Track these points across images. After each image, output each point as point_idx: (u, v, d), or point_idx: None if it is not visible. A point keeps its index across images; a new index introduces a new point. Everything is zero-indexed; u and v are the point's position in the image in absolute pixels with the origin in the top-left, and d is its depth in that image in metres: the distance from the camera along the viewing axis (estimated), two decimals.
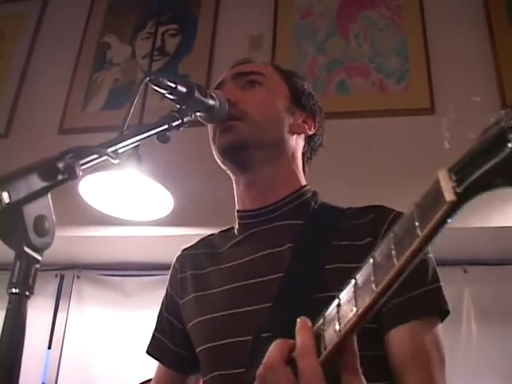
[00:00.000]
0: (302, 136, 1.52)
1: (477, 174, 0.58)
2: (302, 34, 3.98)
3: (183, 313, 1.47)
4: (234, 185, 1.50)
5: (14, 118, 4.16)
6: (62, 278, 4.03)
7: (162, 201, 2.91)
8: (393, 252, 0.68)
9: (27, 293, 0.76)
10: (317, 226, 1.36)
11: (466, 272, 3.46)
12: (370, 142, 3.41)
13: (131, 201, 2.96)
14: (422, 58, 3.64)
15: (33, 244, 0.77)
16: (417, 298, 1.18)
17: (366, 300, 0.72)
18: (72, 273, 4.03)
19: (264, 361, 0.85)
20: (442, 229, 0.62)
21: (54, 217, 0.81)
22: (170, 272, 1.58)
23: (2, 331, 0.74)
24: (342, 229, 1.32)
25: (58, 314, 3.91)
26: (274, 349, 0.86)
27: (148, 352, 1.57)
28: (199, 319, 1.38)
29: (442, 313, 1.23)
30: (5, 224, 0.77)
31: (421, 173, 3.19)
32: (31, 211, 0.77)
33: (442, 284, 1.23)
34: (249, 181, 1.44)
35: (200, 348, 1.37)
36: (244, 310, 1.28)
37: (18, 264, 0.76)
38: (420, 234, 0.63)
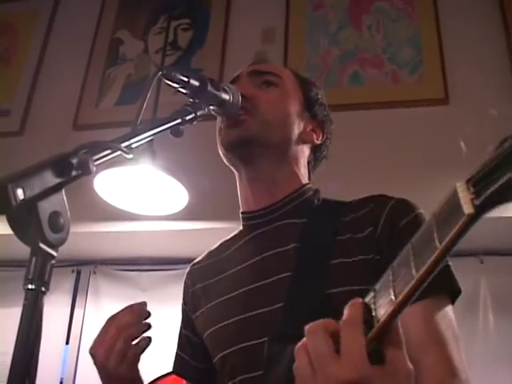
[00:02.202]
0: (309, 145, 1.52)
1: (494, 186, 0.57)
2: (315, 26, 3.97)
3: (197, 326, 1.48)
4: (238, 183, 1.50)
5: (28, 115, 4.18)
6: (78, 273, 4.04)
7: (177, 195, 2.92)
8: (412, 263, 0.69)
9: (43, 288, 0.76)
10: (319, 223, 1.36)
11: (482, 262, 3.43)
12: (383, 133, 3.40)
13: (146, 196, 2.96)
14: (435, 48, 3.62)
15: (48, 240, 0.77)
16: None
17: (386, 312, 0.73)
18: (88, 268, 4.04)
19: (306, 327, 0.82)
20: (460, 240, 0.62)
21: (68, 213, 0.81)
22: (182, 289, 1.59)
23: (19, 327, 0.74)
24: (344, 223, 1.31)
25: (75, 310, 3.92)
26: (319, 321, 0.82)
27: (173, 371, 1.60)
28: (212, 329, 1.38)
29: (453, 292, 1.21)
30: (20, 221, 0.76)
31: (436, 163, 3.19)
32: (46, 207, 0.77)
33: (450, 264, 1.22)
34: (251, 177, 1.44)
35: (216, 358, 1.37)
36: (255, 313, 1.28)
37: (33, 260, 0.77)
38: (439, 245, 0.64)
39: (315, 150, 1.54)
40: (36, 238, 0.76)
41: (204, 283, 1.49)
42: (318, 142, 1.52)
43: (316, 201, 1.45)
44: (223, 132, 1.41)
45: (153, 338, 1.60)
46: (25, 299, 0.76)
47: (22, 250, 0.78)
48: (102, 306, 3.91)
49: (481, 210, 0.59)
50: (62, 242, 0.79)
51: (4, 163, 2.78)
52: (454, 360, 1.11)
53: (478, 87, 3.43)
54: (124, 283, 3.95)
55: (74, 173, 0.83)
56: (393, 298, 0.72)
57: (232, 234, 1.53)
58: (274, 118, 1.41)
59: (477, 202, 0.59)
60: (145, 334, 1.49)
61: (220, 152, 1.46)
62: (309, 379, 0.78)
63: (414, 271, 0.68)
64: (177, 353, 1.59)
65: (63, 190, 0.81)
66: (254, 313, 1.28)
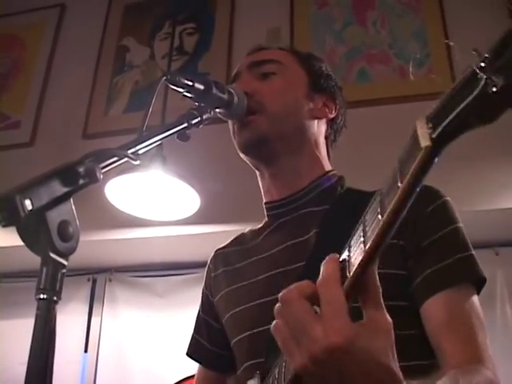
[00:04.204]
0: (324, 120, 1.50)
1: (451, 116, 0.57)
2: (320, 24, 3.96)
3: (218, 310, 1.49)
4: (259, 177, 1.50)
5: (38, 126, 4.20)
6: (94, 281, 4.05)
7: (189, 199, 2.92)
8: (378, 209, 0.69)
9: (55, 298, 0.77)
10: (342, 210, 1.34)
11: (497, 254, 3.40)
12: (393, 129, 3.38)
13: (158, 201, 2.96)
14: (441, 41, 3.60)
15: (58, 249, 0.77)
16: (449, 266, 1.17)
17: (357, 261, 0.73)
18: (104, 276, 4.05)
19: (279, 295, 0.81)
20: (424, 177, 0.63)
21: (77, 221, 0.81)
22: (205, 273, 1.59)
23: (33, 337, 0.75)
24: None
25: (93, 318, 3.93)
26: (291, 286, 0.81)
27: (187, 354, 1.59)
28: (231, 312, 1.39)
29: (477, 281, 1.20)
30: (29, 231, 0.77)
31: (448, 156, 3.17)
32: (54, 217, 0.78)
33: (473, 253, 1.21)
34: (273, 172, 1.44)
35: (233, 341, 1.39)
36: (269, 299, 1.28)
37: (44, 270, 0.77)
38: (400, 185, 0.64)
39: (331, 123, 1.53)
40: (46, 248, 0.77)
41: (227, 268, 1.50)
42: (333, 115, 1.51)
43: (339, 188, 1.44)
44: (236, 135, 1.42)
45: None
46: (37, 309, 0.76)
47: (33, 260, 0.79)
48: (119, 313, 3.92)
49: (438, 142, 0.59)
50: (72, 250, 0.80)
51: (16, 174, 2.80)
52: (479, 346, 1.09)
53: None
54: (140, 290, 3.96)
55: (81, 181, 0.83)
56: (362, 246, 0.72)
57: (259, 224, 1.53)
58: (281, 108, 1.40)
59: (433, 135, 0.59)
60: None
61: (240, 155, 1.46)
62: (294, 351, 0.77)
63: (379, 216, 0.68)
64: (193, 336, 1.60)
65: (71, 199, 0.82)
66: (268, 299, 1.29)
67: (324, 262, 0.79)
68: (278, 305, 0.81)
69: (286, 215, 1.42)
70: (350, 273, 0.75)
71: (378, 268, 1.17)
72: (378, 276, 0.78)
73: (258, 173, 1.50)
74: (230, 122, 1.46)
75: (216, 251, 1.59)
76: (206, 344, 1.55)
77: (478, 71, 0.54)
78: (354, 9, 3.96)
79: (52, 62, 4.46)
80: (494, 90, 0.53)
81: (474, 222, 2.92)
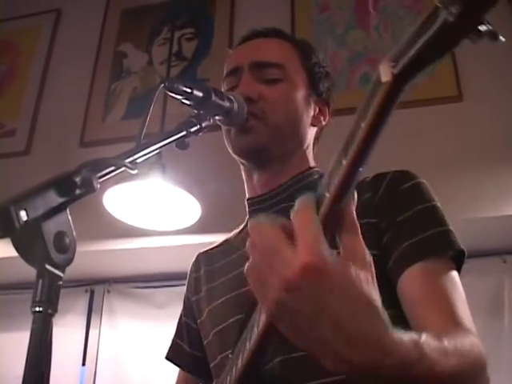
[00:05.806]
0: (316, 128, 1.51)
1: (412, 52, 0.58)
2: (321, 28, 3.93)
3: (196, 309, 1.50)
4: (244, 174, 1.49)
5: (34, 134, 4.17)
6: (92, 293, 4.00)
7: (189, 208, 2.89)
8: (342, 153, 0.70)
9: (51, 311, 0.76)
10: None
11: (505, 262, 3.35)
12: (398, 134, 3.36)
13: (158, 210, 2.93)
14: None
15: (54, 261, 0.77)
16: (425, 239, 1.15)
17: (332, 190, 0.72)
18: (102, 287, 4.00)
19: (249, 226, 0.77)
20: (388, 115, 0.64)
21: (74, 232, 0.80)
22: (187, 277, 1.61)
23: (28, 350, 0.74)
24: None
25: (91, 330, 3.88)
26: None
27: (167, 357, 1.61)
28: (207, 309, 1.41)
29: (456, 255, 1.17)
30: (25, 242, 0.77)
31: (453, 161, 3.15)
32: (50, 228, 0.78)
33: (451, 228, 1.19)
34: (262, 172, 1.43)
35: (206, 341, 1.40)
36: (241, 291, 1.28)
37: (40, 282, 0.76)
38: (363, 125, 0.65)
39: (322, 127, 1.54)
40: (42, 260, 0.76)
41: (208, 267, 1.52)
42: (325, 123, 1.52)
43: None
44: (234, 139, 1.40)
45: None
46: (33, 322, 0.75)
47: (29, 272, 0.78)
48: (117, 325, 3.88)
49: (398, 77, 0.60)
50: (69, 262, 0.79)
51: (11, 184, 2.77)
52: (460, 315, 1.04)
53: (491, 82, 3.40)
54: (139, 301, 3.91)
55: (77, 191, 0.83)
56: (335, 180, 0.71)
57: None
58: (282, 118, 1.39)
59: (395, 71, 0.60)
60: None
61: (233, 155, 1.45)
62: (264, 275, 0.72)
63: (343, 160, 0.69)
64: (173, 340, 1.61)
65: (68, 210, 0.81)
66: (240, 291, 1.30)
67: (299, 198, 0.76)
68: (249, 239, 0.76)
69: (264, 210, 1.40)
70: (323, 203, 0.73)
71: None
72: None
73: (243, 169, 1.48)
74: (223, 127, 1.43)
75: (198, 254, 1.61)
76: (186, 347, 1.56)
77: (438, 5, 0.55)
78: (356, 12, 3.94)
79: (48, 68, 4.43)
80: (452, 19, 0.54)
81: (481, 229, 2.91)
